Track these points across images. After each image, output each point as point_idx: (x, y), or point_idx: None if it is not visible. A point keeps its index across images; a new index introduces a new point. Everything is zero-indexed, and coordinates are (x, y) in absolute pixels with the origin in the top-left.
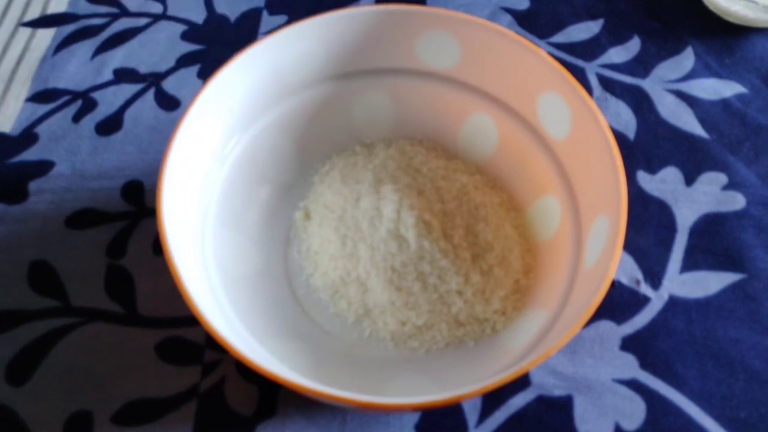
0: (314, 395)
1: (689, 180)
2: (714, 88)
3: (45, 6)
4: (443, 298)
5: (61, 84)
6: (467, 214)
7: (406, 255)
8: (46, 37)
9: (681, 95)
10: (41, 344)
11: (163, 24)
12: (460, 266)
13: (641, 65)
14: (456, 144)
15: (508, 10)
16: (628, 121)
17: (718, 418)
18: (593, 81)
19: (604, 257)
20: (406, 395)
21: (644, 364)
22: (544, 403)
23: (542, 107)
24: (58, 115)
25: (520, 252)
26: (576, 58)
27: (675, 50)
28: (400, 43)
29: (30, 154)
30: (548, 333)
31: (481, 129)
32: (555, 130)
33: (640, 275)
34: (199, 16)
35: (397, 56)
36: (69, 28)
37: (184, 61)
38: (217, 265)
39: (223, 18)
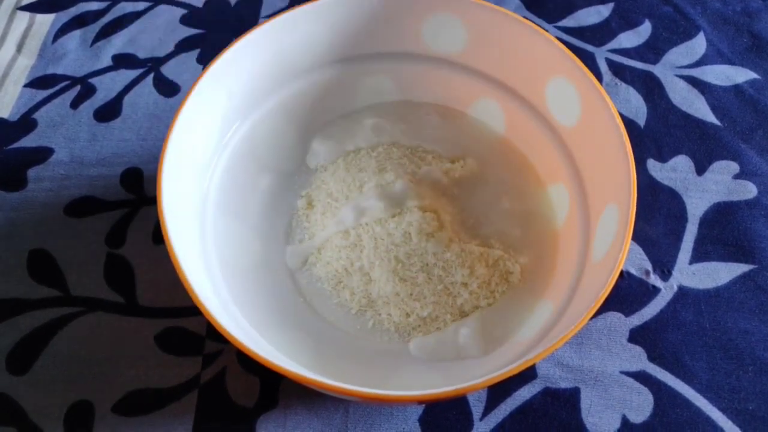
0: (317, 387)
1: (700, 168)
2: (726, 75)
3: None
4: (448, 289)
5: (60, 70)
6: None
7: (410, 245)
8: (45, 22)
9: (693, 81)
10: (41, 334)
11: (163, 8)
12: (465, 258)
13: (652, 50)
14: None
15: None
16: (638, 107)
17: (725, 410)
18: (603, 66)
19: (614, 248)
20: (410, 387)
21: (652, 356)
22: (550, 395)
23: (551, 93)
24: (57, 101)
25: (527, 242)
26: (585, 43)
27: (687, 35)
28: (407, 26)
29: (28, 141)
30: (555, 325)
31: (488, 115)
32: (564, 116)
33: (649, 266)
34: None
35: (403, 40)
36: (68, 13)
37: (183, 46)
38: (217, 254)
39: (224, 1)
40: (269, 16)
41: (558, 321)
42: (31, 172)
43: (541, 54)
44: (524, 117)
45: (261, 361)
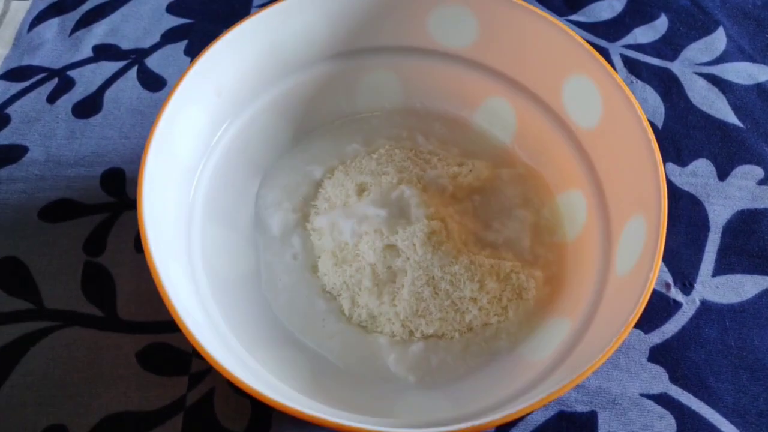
0: (310, 421)
1: (722, 173)
2: (748, 72)
3: None
4: (456, 304)
5: (36, 61)
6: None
7: (415, 257)
8: (20, 9)
9: (713, 79)
10: (12, 351)
11: None
12: (474, 271)
13: (669, 46)
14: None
15: None
16: (655, 107)
17: None
18: (617, 63)
19: (643, 264)
20: (416, 413)
21: (674, 377)
22: (565, 419)
23: (568, 92)
24: (32, 95)
25: (540, 254)
26: (598, 38)
27: (705, 30)
28: (411, 18)
29: (1, 138)
30: (575, 346)
31: (498, 115)
32: (582, 118)
33: (669, 278)
34: None
35: (407, 33)
36: (46, 0)
37: (169, 37)
38: (204, 265)
39: None
40: (262, 6)
41: (579, 341)
42: (3, 173)
43: (558, 49)
44: (537, 117)
45: (249, 391)
